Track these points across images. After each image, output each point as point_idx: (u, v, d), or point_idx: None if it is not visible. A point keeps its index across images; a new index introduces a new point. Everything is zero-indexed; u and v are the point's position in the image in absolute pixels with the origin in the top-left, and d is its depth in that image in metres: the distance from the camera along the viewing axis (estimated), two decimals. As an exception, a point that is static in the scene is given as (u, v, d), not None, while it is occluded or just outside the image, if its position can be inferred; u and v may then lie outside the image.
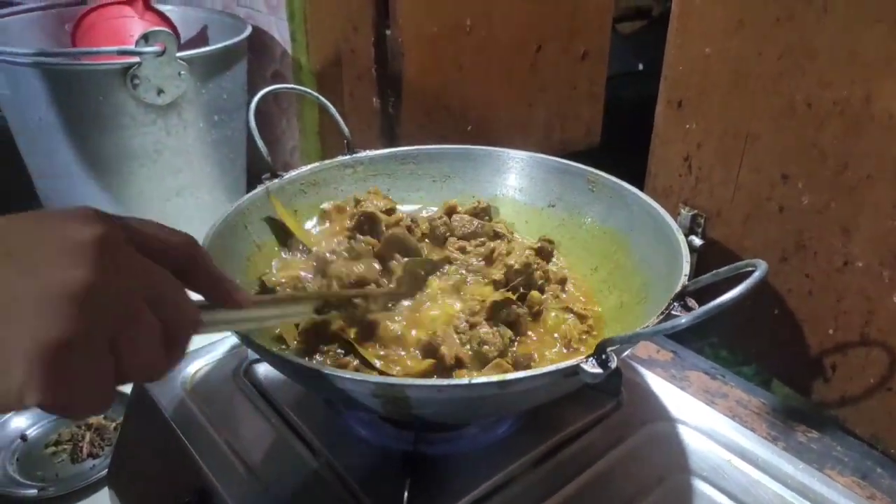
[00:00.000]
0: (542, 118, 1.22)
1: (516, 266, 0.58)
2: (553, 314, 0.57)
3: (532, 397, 0.46)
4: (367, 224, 0.63)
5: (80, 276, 0.27)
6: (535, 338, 0.55)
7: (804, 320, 0.65)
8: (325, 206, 0.67)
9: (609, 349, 0.39)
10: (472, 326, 0.52)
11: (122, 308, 0.29)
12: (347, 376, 0.40)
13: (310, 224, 0.67)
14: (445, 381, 0.40)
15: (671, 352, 0.71)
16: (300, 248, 0.62)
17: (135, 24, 1.06)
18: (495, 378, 0.39)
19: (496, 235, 0.66)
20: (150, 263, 0.31)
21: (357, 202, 0.67)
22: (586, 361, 0.39)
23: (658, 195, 0.71)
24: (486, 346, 0.50)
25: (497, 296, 0.54)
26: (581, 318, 0.57)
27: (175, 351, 0.32)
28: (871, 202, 0.57)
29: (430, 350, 0.50)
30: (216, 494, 0.50)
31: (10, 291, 0.26)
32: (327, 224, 0.66)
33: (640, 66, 1.78)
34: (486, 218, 0.68)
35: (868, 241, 0.58)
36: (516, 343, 0.53)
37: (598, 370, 0.38)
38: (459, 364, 0.49)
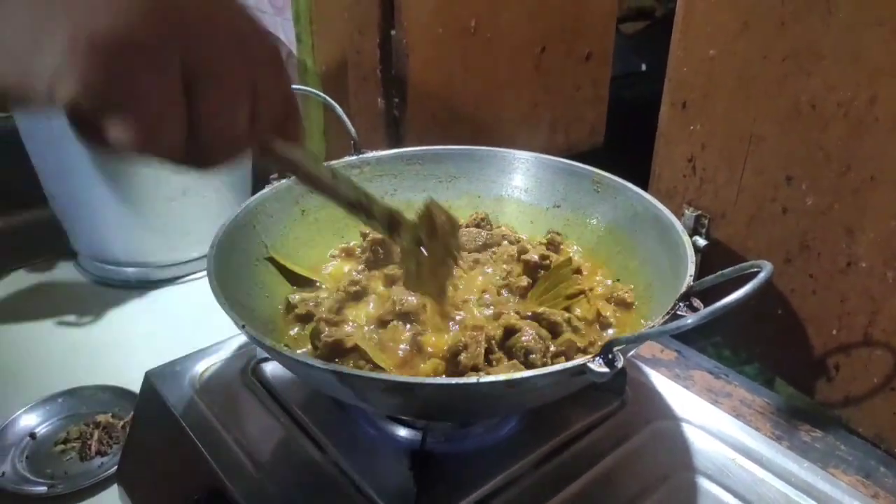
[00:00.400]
0: (546, 119, 1.22)
1: (535, 259, 0.58)
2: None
3: (539, 396, 0.46)
4: (381, 250, 0.64)
5: None
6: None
7: (808, 320, 0.65)
8: (333, 251, 0.68)
9: (615, 349, 0.39)
10: (510, 334, 0.51)
11: (216, 45, 0.24)
12: (357, 374, 0.41)
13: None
14: (453, 381, 0.40)
15: (675, 351, 0.72)
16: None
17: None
18: (502, 377, 0.40)
19: (504, 239, 0.66)
20: (256, 30, 0.26)
21: (364, 236, 0.67)
22: (593, 361, 0.39)
23: (662, 196, 0.71)
24: (532, 356, 0.49)
25: (533, 306, 0.55)
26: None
27: (256, 125, 0.27)
28: (875, 204, 0.57)
29: (453, 353, 0.51)
30: (225, 491, 0.51)
31: None
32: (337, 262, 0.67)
33: (643, 67, 1.78)
34: (488, 226, 0.69)
35: (872, 242, 0.58)
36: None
37: (605, 369, 0.39)
38: (475, 368, 0.49)
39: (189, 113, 0.24)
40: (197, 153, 0.26)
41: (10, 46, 0.22)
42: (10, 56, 0.22)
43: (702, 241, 0.72)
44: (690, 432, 0.56)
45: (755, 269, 0.39)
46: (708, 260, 0.72)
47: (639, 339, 0.39)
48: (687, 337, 0.74)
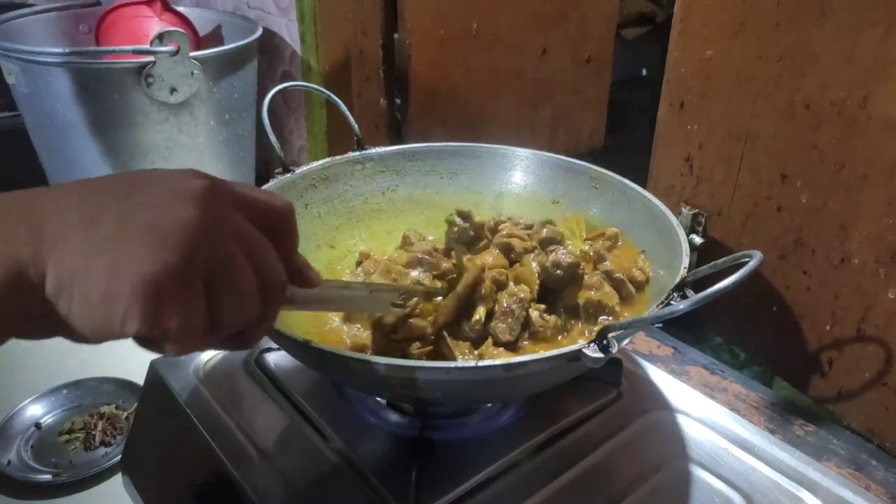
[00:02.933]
0: (546, 121, 1.24)
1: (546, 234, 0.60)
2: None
3: (537, 382, 0.47)
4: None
5: (188, 217, 0.30)
6: None
7: (802, 316, 0.66)
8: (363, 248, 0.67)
9: (610, 335, 0.40)
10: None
11: (221, 250, 0.31)
12: (358, 358, 0.42)
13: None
14: (453, 364, 0.41)
15: (671, 347, 0.73)
16: None
17: (153, 24, 1.08)
18: (500, 361, 0.41)
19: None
20: (246, 221, 0.33)
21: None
22: (588, 346, 0.40)
23: (660, 195, 0.72)
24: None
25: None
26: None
27: (267, 308, 0.34)
28: (868, 201, 0.58)
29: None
30: (230, 478, 0.52)
31: (127, 224, 0.29)
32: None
33: (644, 72, 1.79)
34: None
35: (864, 238, 0.59)
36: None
37: (600, 355, 0.40)
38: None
39: (210, 315, 0.32)
40: (228, 338, 0.35)
41: (94, 307, 0.29)
42: (95, 314, 0.29)
43: (699, 239, 0.73)
44: (685, 423, 0.57)
45: (746, 259, 0.41)
46: (705, 258, 0.73)
47: (633, 325, 0.40)
48: (685, 340, 0.75)
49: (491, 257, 0.57)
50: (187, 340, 0.31)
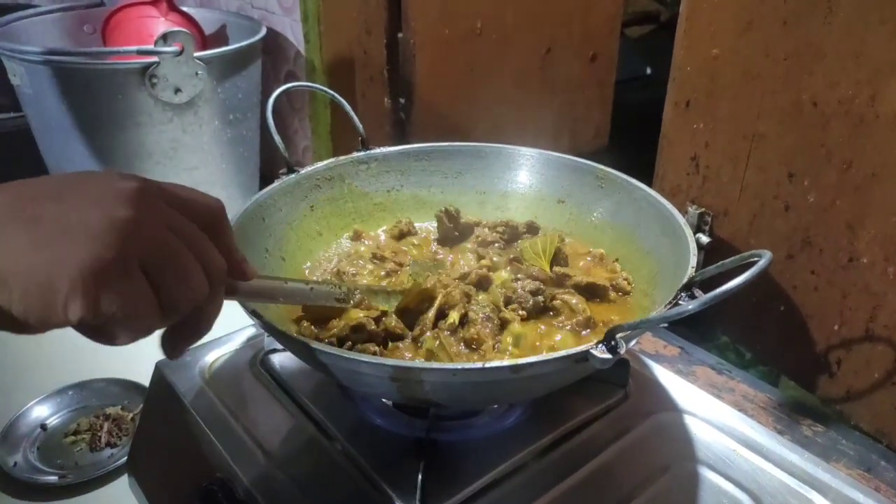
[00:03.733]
0: (551, 120, 1.23)
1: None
2: None
3: (543, 383, 0.47)
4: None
5: (121, 215, 0.32)
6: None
7: (810, 316, 0.66)
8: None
9: (618, 336, 0.40)
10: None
11: (159, 241, 0.33)
12: (365, 360, 0.42)
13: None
14: (460, 365, 0.41)
15: (678, 347, 0.72)
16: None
17: (159, 24, 1.08)
18: (508, 362, 0.40)
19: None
20: (180, 216, 0.35)
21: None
22: (596, 347, 0.40)
23: (666, 194, 0.72)
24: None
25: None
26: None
27: (213, 290, 0.36)
28: (876, 200, 0.58)
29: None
30: (235, 479, 0.52)
31: (64, 222, 0.31)
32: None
33: (648, 71, 1.79)
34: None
35: (873, 237, 0.59)
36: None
37: (608, 356, 0.40)
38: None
39: (158, 298, 0.33)
40: (176, 320, 0.36)
41: (34, 297, 0.30)
42: (35, 303, 0.30)
43: (705, 239, 0.73)
44: (692, 424, 0.56)
45: (755, 259, 0.40)
46: (711, 258, 0.72)
47: (641, 326, 0.40)
48: (691, 340, 0.75)
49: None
50: (135, 325, 0.33)
